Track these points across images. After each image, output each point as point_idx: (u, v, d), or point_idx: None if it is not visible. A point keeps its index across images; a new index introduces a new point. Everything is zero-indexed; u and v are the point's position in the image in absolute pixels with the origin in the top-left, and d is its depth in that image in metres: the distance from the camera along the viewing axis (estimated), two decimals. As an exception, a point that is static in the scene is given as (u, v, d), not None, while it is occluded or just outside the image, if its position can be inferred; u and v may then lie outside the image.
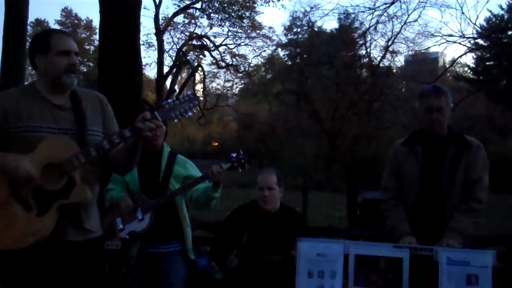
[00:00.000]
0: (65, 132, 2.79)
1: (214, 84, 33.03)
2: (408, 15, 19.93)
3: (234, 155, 4.05)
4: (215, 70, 31.18)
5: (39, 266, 2.71)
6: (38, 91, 2.83)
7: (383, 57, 24.50)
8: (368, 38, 23.67)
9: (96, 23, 38.29)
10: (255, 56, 30.75)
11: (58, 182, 2.68)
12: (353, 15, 23.45)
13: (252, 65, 30.73)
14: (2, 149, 2.70)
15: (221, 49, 29.18)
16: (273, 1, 24.20)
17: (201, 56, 30.01)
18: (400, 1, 15.26)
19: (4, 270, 2.74)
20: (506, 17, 28.81)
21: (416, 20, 21.45)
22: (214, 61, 29.87)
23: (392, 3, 14.69)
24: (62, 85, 2.82)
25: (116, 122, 3.07)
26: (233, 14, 26.90)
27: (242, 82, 32.23)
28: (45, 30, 2.99)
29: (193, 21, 27.93)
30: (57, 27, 36.20)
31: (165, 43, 27.91)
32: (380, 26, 22.47)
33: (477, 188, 3.71)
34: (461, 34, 16.06)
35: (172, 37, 28.39)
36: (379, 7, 14.70)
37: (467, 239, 3.67)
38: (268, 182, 4.24)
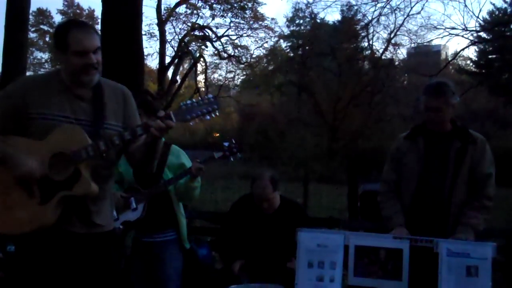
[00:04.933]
0: (81, 122, 2.77)
1: (216, 75, 32.91)
2: (411, 8, 19.88)
3: (226, 144, 4.07)
4: (217, 61, 31.04)
5: (41, 254, 2.71)
6: (61, 80, 2.81)
7: (386, 49, 24.42)
8: (371, 30, 23.60)
9: (98, 13, 37.95)
10: (257, 47, 30.59)
11: (65, 173, 2.67)
12: (355, 7, 23.40)
13: (254, 56, 30.62)
14: (20, 133, 2.71)
15: (223, 40, 29.07)
16: (276, -8, 24.11)
17: (203, 47, 29.91)
18: (403, -7, 15.23)
19: (7, 256, 2.77)
20: (509, 10, 28.49)
21: (419, 13, 21.36)
22: (216, 52, 29.74)
23: (395, -5, 14.65)
24: (81, 82, 2.80)
25: (138, 119, 3.04)
26: (235, 5, 26.83)
27: (244, 73, 32.16)
28: (64, 24, 2.85)
29: (195, 11, 27.82)
30: (59, 17, 36.08)
31: (167, 33, 27.81)
32: (382, 18, 22.42)
33: (488, 185, 3.72)
34: (464, 27, 16.07)
35: (174, 28, 28.28)
36: (382, -1, 14.68)
37: (476, 235, 3.68)
38: (265, 195, 4.26)
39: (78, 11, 37.57)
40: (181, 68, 30.92)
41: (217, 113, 2.75)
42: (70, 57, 2.72)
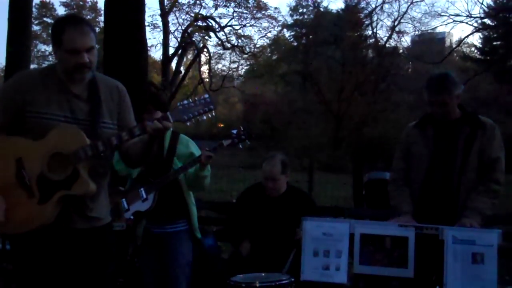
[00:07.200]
0: (78, 122, 2.77)
1: (219, 65, 32.92)
2: (415, -5, 19.82)
3: (234, 131, 4.07)
4: (221, 51, 31.09)
5: (46, 252, 2.74)
6: (58, 77, 2.80)
7: (390, 37, 24.48)
8: (375, 18, 23.72)
9: (101, 4, 38.09)
10: (261, 37, 30.60)
11: (63, 172, 2.68)
12: (359, -5, 23.35)
13: (257, 46, 30.60)
14: (18, 129, 2.73)
15: (227, 30, 29.10)
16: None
17: (206, 37, 29.97)
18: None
19: (14, 253, 2.79)
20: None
21: (422, 0, 21.31)
22: (219, 42, 29.78)
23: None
24: (73, 79, 2.79)
25: (132, 115, 3.04)
26: (238, -6, 26.78)
27: (248, 63, 32.15)
28: (61, 20, 2.81)
29: (198, 1, 27.82)
30: (62, 9, 36.09)
31: (170, 24, 27.88)
32: (386, 6, 22.52)
33: (496, 169, 3.69)
34: (468, 13, 16.02)
35: (177, 18, 28.32)
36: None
37: (485, 220, 3.66)
38: (272, 173, 4.29)
39: (81, 2, 37.53)
40: (185, 59, 30.97)
41: (213, 114, 2.79)
42: (63, 55, 2.71)
